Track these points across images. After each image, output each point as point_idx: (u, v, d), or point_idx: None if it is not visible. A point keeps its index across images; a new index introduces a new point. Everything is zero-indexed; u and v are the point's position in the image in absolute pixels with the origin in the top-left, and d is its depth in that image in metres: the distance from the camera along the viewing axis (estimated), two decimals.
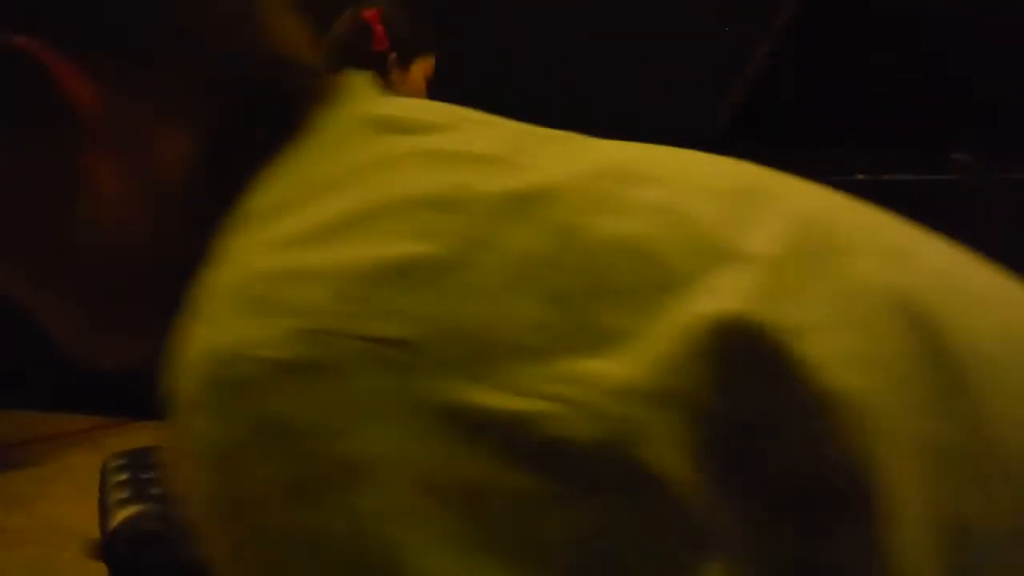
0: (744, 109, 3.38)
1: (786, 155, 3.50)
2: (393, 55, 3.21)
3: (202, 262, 0.91)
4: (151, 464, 3.36)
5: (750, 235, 0.95)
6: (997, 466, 0.92)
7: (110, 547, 2.99)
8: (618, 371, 0.84)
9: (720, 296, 0.88)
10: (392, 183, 0.89)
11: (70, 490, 5.40)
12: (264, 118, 0.97)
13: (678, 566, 0.82)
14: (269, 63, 1.02)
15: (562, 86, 5.85)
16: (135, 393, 5.42)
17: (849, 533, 0.86)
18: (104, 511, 3.09)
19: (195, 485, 0.92)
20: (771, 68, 3.31)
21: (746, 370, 0.86)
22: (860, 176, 2.82)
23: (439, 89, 3.30)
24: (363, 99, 1.04)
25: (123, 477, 3.26)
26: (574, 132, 1.01)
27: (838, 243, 1.01)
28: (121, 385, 6.92)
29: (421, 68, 3.27)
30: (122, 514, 3.02)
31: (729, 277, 0.90)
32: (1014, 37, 3.30)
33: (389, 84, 3.22)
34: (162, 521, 3.04)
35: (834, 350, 0.89)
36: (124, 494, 3.13)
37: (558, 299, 0.86)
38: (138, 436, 6.13)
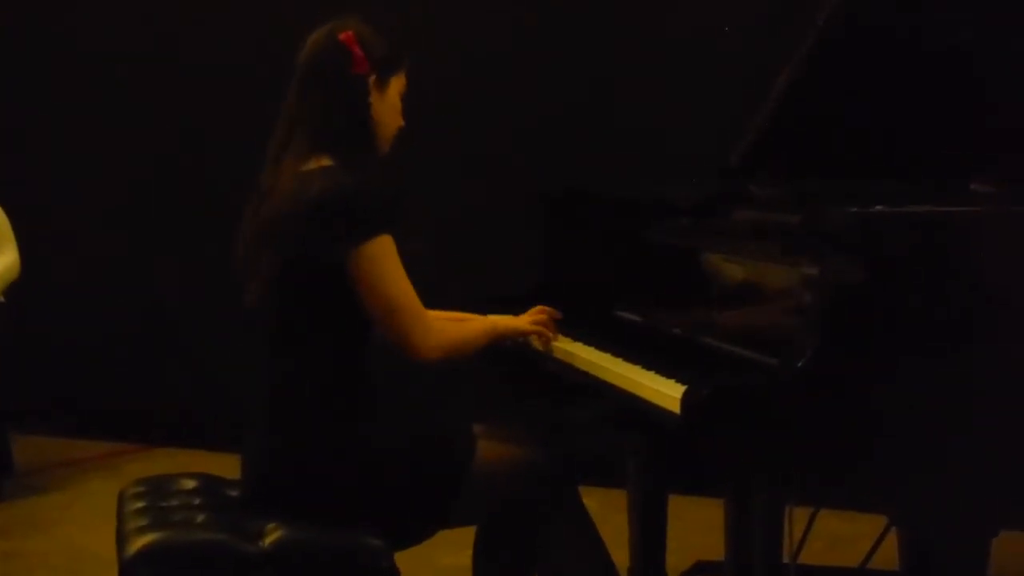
0: (762, 141, 3.37)
1: (804, 187, 3.51)
2: (373, 77, 3.22)
3: None
4: (170, 491, 3.37)
5: None
6: None
7: (128, 573, 3.00)
8: None
9: None
10: None
11: (89, 515, 5.40)
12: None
13: None
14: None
15: (576, 118, 5.87)
16: (154, 420, 5.45)
17: None
18: (121, 538, 3.10)
19: None
20: (789, 100, 3.31)
21: None
22: (879, 207, 2.82)
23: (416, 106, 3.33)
24: None
25: (141, 504, 3.27)
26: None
27: None
28: (140, 412, 6.90)
29: (397, 86, 3.28)
30: (140, 541, 3.03)
31: None
32: None
33: (367, 107, 3.23)
34: (179, 548, 3.04)
35: None
36: (142, 521, 3.14)
37: None
38: (157, 462, 6.14)
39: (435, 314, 3.44)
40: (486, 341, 3.32)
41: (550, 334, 3.44)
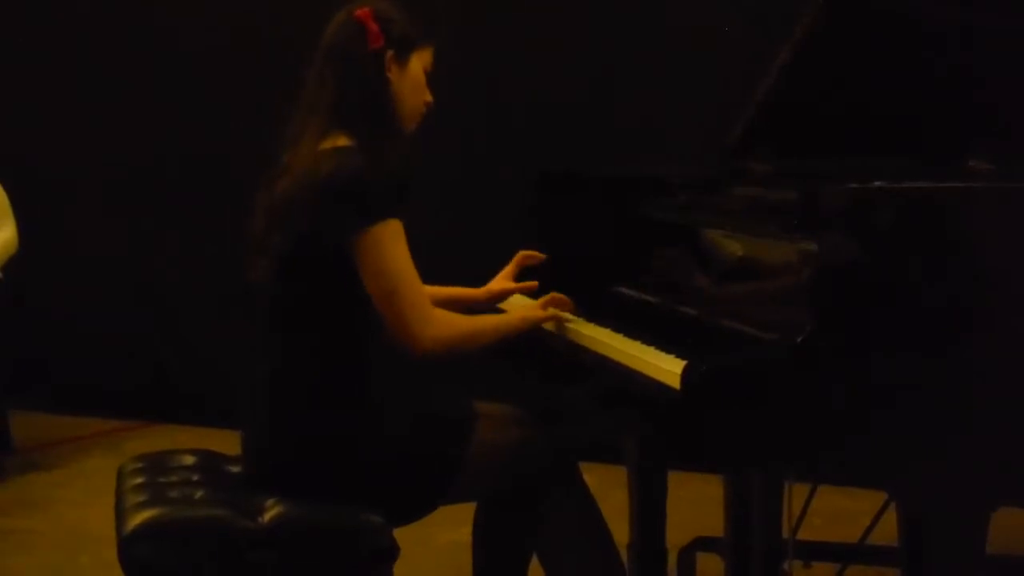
0: (760, 119, 3.37)
1: (801, 164, 3.50)
2: (390, 53, 3.21)
3: None
4: (169, 467, 3.37)
5: None
6: None
7: (126, 549, 3.00)
8: None
9: None
10: None
11: (87, 493, 5.41)
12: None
13: None
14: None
15: (577, 98, 5.87)
16: (153, 396, 5.46)
17: None
18: (120, 515, 3.10)
19: None
20: (787, 77, 3.31)
21: None
22: (877, 184, 2.81)
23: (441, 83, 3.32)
24: None
25: (140, 480, 3.27)
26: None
27: None
28: (139, 389, 6.91)
29: (419, 61, 3.26)
30: (138, 518, 3.03)
31: None
32: None
33: (387, 83, 3.22)
34: (178, 524, 3.04)
35: None
36: (141, 497, 3.14)
37: None
38: (155, 439, 6.14)
39: (440, 290, 3.45)
40: (498, 338, 3.27)
41: (564, 315, 3.39)
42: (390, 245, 3.07)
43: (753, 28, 5.25)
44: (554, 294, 3.42)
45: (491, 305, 3.63)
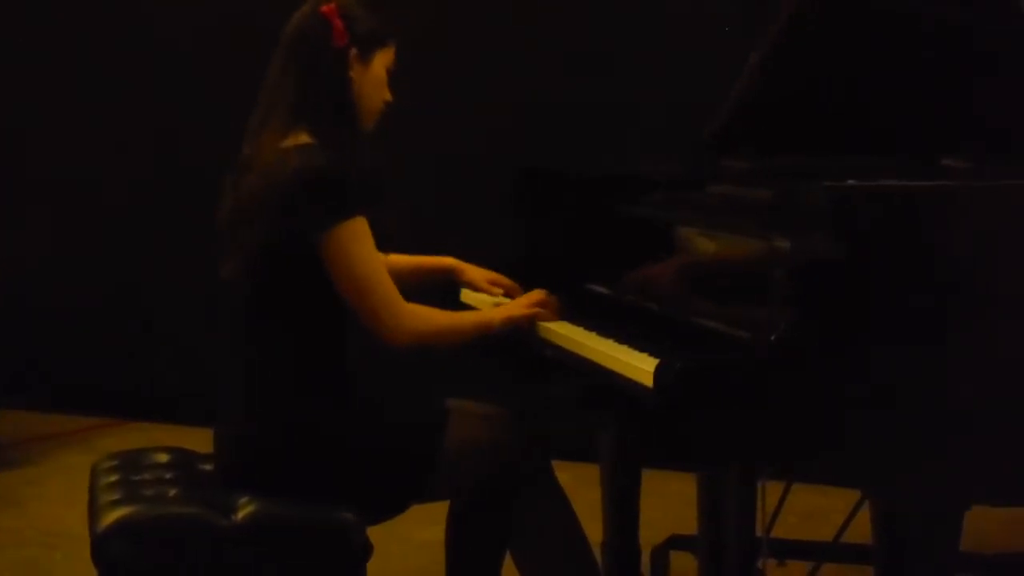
0: (737, 116, 3.37)
1: (777, 162, 3.51)
2: (354, 51, 3.20)
3: None
4: (142, 465, 3.36)
5: None
6: None
7: (100, 547, 3.00)
8: None
9: None
10: None
11: (63, 490, 5.39)
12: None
13: None
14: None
15: (552, 95, 5.86)
16: (128, 394, 5.45)
17: None
18: (94, 513, 3.09)
19: None
20: (763, 74, 3.31)
21: None
22: (851, 182, 2.82)
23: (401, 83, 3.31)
24: None
25: (114, 478, 3.27)
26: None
27: None
28: (114, 386, 6.87)
29: (382, 61, 3.26)
30: (112, 515, 3.02)
31: None
32: (1007, 43, 3.30)
33: (349, 81, 3.22)
34: (152, 522, 3.04)
35: None
36: (114, 496, 3.13)
37: None
38: (131, 436, 6.12)
39: (407, 260, 3.46)
40: (474, 336, 3.26)
41: (545, 313, 3.35)
42: (356, 243, 3.07)
43: (753, 28, 5.24)
44: (538, 292, 3.41)
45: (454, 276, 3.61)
